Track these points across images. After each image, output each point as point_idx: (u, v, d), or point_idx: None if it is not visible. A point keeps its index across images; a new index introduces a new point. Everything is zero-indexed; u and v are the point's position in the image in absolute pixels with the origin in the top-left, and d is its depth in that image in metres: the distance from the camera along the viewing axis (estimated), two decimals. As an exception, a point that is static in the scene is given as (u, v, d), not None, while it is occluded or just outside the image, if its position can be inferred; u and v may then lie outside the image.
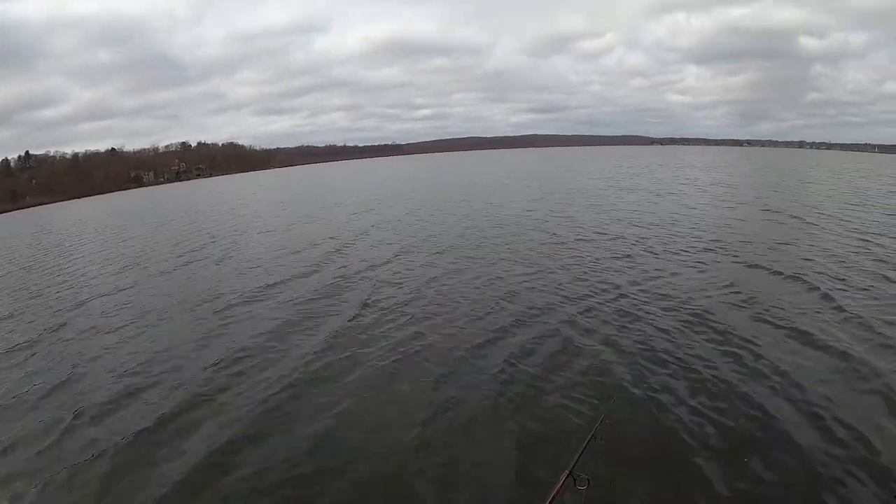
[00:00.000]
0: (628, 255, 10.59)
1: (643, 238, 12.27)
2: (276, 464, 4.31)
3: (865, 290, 7.67)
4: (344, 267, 11.33)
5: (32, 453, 4.92)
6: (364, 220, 18.60)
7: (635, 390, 4.76)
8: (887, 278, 8.17)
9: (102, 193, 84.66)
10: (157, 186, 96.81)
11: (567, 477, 2.15)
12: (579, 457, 2.27)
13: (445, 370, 5.83)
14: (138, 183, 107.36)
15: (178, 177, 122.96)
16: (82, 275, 13.63)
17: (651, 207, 17.60)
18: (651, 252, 10.90)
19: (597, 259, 10.55)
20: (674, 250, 10.96)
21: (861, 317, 6.54)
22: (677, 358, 5.50)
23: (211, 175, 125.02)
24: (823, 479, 3.50)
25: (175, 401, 5.62)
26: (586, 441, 2.40)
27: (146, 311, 9.31)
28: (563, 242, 12.40)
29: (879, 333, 5.99)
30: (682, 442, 3.92)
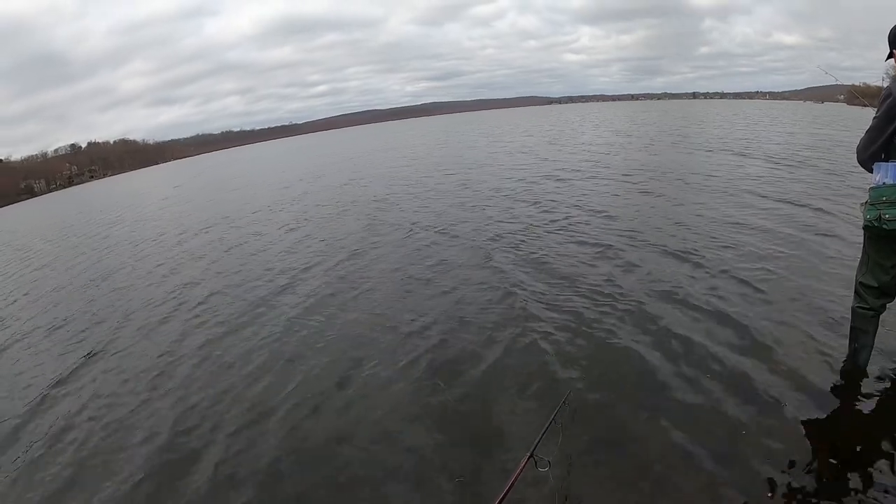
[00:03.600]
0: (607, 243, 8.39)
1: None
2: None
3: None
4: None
5: None
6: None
7: (596, 371, 4.05)
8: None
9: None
10: (50, 195, 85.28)
11: (528, 460, 2.19)
12: (540, 439, 2.30)
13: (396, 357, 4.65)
14: (30, 193, 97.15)
15: (71, 181, 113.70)
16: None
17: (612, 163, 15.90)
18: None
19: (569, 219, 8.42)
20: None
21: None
22: (647, 330, 4.54)
23: (105, 175, 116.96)
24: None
25: None
26: (547, 424, 2.44)
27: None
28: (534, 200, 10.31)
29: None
30: (647, 422, 3.31)
